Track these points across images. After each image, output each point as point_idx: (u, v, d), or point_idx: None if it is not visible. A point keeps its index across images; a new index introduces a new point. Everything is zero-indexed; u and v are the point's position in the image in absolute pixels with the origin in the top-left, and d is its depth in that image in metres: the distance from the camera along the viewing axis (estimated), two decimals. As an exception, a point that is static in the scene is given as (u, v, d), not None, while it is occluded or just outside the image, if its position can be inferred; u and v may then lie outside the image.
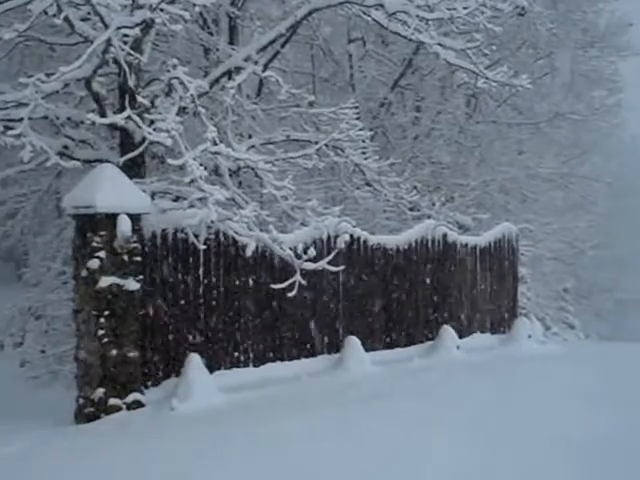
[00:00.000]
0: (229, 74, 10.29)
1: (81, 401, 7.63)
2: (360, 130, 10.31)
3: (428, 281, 11.59)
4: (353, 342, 9.77)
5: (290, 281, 7.91)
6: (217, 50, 11.46)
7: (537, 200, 18.32)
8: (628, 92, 20.86)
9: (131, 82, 8.19)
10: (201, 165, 7.57)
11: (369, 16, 9.67)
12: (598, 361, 11.34)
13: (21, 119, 7.12)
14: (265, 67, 11.58)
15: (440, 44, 9.74)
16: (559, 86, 17.99)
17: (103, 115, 8.39)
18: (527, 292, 14.81)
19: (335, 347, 10.07)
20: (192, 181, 7.47)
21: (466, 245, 12.29)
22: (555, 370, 10.14)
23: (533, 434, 6.61)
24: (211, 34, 11.97)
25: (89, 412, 7.52)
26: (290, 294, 7.92)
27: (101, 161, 8.76)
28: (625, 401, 7.92)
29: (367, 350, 10.01)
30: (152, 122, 7.90)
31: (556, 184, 18.43)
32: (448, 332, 11.23)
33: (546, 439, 6.43)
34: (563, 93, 18.16)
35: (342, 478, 5.46)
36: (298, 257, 8.11)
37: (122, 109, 8.47)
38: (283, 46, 12.45)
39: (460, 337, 11.57)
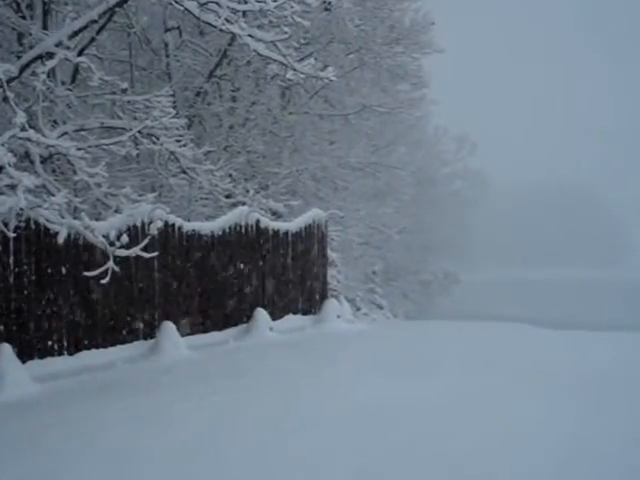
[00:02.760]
0: (41, 59, 10.07)
1: None
2: (174, 118, 10.46)
3: (242, 265, 11.93)
4: (168, 327, 9.93)
5: (103, 268, 7.93)
6: (30, 35, 11.14)
7: (347, 188, 19.24)
8: (431, 87, 22.38)
9: None
10: (11, 152, 7.46)
11: (181, 5, 9.81)
12: (397, 337, 12.37)
13: None
14: (80, 53, 11.43)
15: (251, 35, 10.06)
16: (367, 80, 18.91)
17: None
18: (338, 275, 15.56)
19: (151, 333, 10.20)
20: (0, 168, 7.35)
21: (278, 231, 12.73)
22: (357, 345, 11.00)
23: (334, 401, 7.20)
24: (24, 18, 11.59)
25: None
26: (103, 281, 7.95)
27: None
28: (409, 370, 8.65)
29: (183, 335, 10.25)
30: (-43, 107, 7.66)
31: (365, 173, 19.43)
32: (261, 315, 11.67)
33: (344, 405, 7.00)
34: (370, 87, 19.12)
35: (153, 459, 5.62)
36: (111, 244, 8.18)
37: None
38: (99, 33, 12.33)
39: (273, 319, 12.05)
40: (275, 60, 10.68)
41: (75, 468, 5.48)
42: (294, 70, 10.58)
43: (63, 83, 11.94)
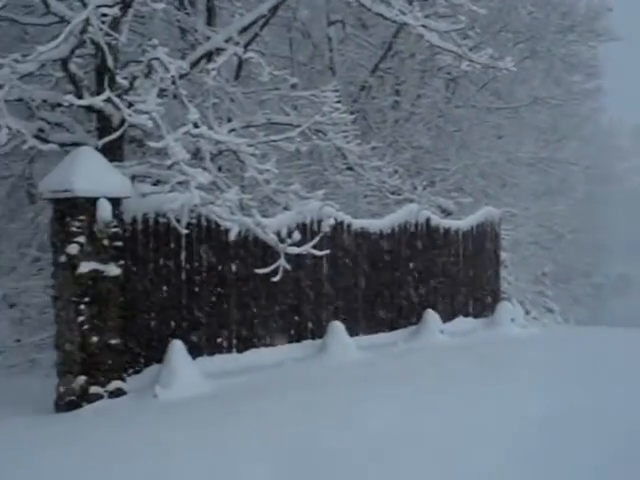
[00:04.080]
0: (208, 56, 10.10)
1: (62, 389, 7.46)
2: (342, 113, 10.17)
3: (411, 265, 11.53)
4: (337, 327, 9.68)
5: (274, 266, 7.79)
6: (195, 31, 11.23)
7: (517, 184, 18.37)
8: (606, 77, 20.97)
9: (110, 63, 7.99)
10: (183, 148, 7.40)
11: (353, -3, 9.57)
12: (578, 344, 11.40)
13: (-4, 101, 6.90)
14: (244, 49, 11.39)
15: (424, 26, 9.63)
16: (539, 70, 17.96)
17: (80, 97, 8.16)
18: (508, 276, 14.82)
19: (319, 332, 9.97)
20: (173, 164, 7.30)
21: (449, 229, 12.24)
22: (533, 351, 10.21)
23: (518, 414, 6.58)
24: (188, 15, 11.73)
25: (70, 400, 7.36)
26: (274, 279, 7.79)
27: (77, 144, 8.55)
28: (604, 379, 7.97)
29: (351, 335, 9.95)
30: (130, 104, 7.69)
31: (535, 169, 18.47)
32: (432, 316, 11.20)
33: (530, 418, 6.41)
34: (542, 77, 18.15)
35: (332, 460, 5.37)
36: (282, 241, 7.99)
37: (99, 91, 8.29)
38: (262, 28, 12.25)
39: (443, 321, 11.55)
40: (448, 50, 10.19)
41: (250, 467, 5.31)
42: (470, 61, 10.03)
43: (227, 80, 11.95)
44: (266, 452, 5.59)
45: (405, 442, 5.75)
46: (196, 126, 7.69)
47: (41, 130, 8.70)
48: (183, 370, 7.76)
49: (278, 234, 8.16)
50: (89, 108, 8.62)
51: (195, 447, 5.80)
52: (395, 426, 6.23)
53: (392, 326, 11.23)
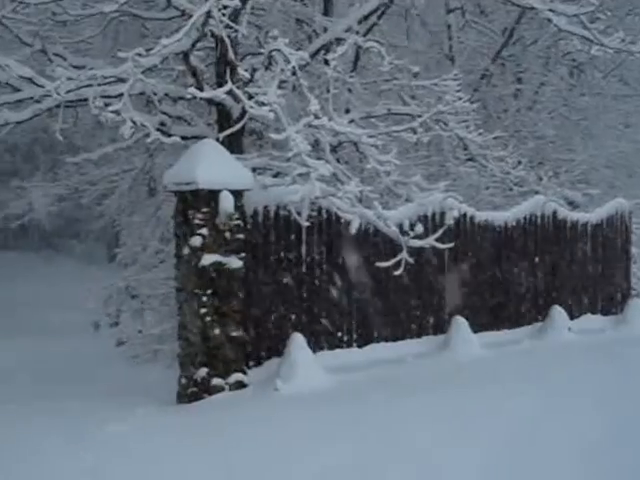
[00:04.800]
0: (326, 46, 9.98)
1: (183, 381, 7.53)
2: (463, 102, 9.83)
3: (537, 260, 11.09)
4: (460, 322, 9.39)
5: (396, 259, 7.59)
6: (313, 22, 11.15)
7: (645, 176, 17.41)
8: None
9: (230, 55, 7.98)
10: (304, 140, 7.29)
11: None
12: None
13: (119, 95, 7.00)
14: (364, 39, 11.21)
15: (552, 10, 9.19)
16: (671, 54, 16.90)
17: (200, 90, 8.20)
18: (637, 272, 14.06)
19: (441, 328, 9.72)
20: (294, 156, 7.20)
21: (577, 222, 11.72)
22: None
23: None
24: (305, 5, 11.67)
25: (192, 392, 7.41)
26: (396, 272, 7.57)
27: (198, 137, 8.63)
28: None
29: (474, 331, 9.61)
30: (251, 96, 7.64)
31: (665, 160, 17.43)
32: (558, 312, 10.69)
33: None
34: (673, 62, 17.09)
35: (459, 462, 5.21)
36: (403, 234, 7.77)
37: (219, 83, 8.31)
38: (380, 17, 12.04)
39: (570, 318, 11.01)
40: (577, 35, 9.70)
41: (381, 465, 5.18)
42: (601, 45, 9.49)
43: (344, 70, 11.80)
44: (393, 452, 5.42)
45: (543, 443, 5.54)
46: (316, 117, 7.56)
47: (162, 124, 8.82)
48: (304, 364, 7.65)
49: (400, 227, 7.95)
50: (209, 101, 8.66)
51: (318, 441, 5.69)
52: (531, 426, 6.01)
53: (517, 322, 10.81)
